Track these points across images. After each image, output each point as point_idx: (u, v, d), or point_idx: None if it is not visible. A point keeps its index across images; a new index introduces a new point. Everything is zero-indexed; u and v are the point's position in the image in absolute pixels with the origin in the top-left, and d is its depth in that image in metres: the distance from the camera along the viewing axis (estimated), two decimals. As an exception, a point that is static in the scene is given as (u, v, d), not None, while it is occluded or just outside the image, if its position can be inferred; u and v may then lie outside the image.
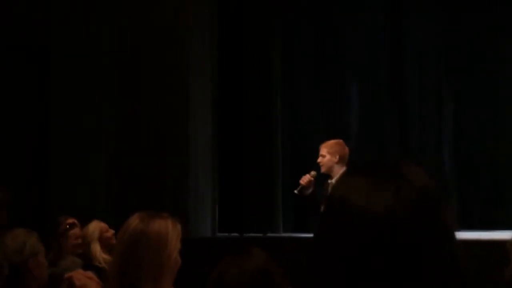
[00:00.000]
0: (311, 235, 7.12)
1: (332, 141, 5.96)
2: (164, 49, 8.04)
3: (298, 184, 5.86)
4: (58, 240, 5.27)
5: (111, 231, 5.00)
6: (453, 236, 1.03)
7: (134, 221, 2.48)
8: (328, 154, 5.84)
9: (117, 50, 8.08)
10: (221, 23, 8.59)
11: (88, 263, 4.92)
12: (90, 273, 3.74)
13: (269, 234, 8.22)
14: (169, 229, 2.45)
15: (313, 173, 5.88)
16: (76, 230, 5.31)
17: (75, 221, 5.44)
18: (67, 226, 5.31)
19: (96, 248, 4.95)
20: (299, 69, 8.62)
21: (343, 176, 1.06)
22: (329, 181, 5.88)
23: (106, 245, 5.00)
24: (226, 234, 8.37)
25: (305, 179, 5.84)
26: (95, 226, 5.06)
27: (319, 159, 5.88)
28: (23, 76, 7.85)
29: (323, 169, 5.86)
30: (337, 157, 5.82)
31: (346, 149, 5.92)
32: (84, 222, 5.48)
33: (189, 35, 8.14)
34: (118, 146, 8.04)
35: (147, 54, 8.07)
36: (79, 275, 3.61)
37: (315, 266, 1.02)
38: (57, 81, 7.91)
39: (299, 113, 8.59)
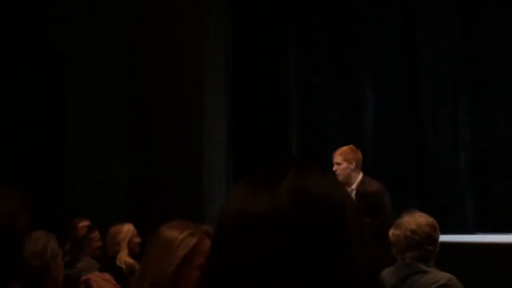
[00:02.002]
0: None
1: (345, 148, 5.91)
2: (178, 50, 8.05)
3: None
4: (76, 242, 5.33)
5: (139, 239, 5.12)
6: (349, 236, 0.97)
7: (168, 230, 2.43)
8: (345, 161, 5.78)
9: (131, 52, 8.11)
10: (235, 24, 8.60)
11: (109, 262, 4.98)
12: (107, 275, 3.76)
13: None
14: (179, 239, 2.40)
15: None
16: (97, 233, 5.40)
17: (90, 223, 5.51)
18: (88, 229, 5.37)
19: (125, 249, 5.04)
20: (314, 73, 8.62)
21: (233, 187, 1.05)
22: (346, 188, 5.82)
23: (131, 250, 5.10)
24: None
25: None
26: (129, 229, 5.16)
27: (335, 167, 5.80)
28: (37, 79, 7.90)
29: (340, 178, 5.77)
30: (354, 163, 5.78)
31: (360, 154, 5.90)
32: (99, 225, 5.53)
33: (203, 35, 8.15)
34: (132, 149, 8.07)
35: (160, 54, 8.09)
36: (97, 278, 3.62)
37: (209, 273, 1.01)
38: (71, 84, 7.94)
39: (314, 117, 8.59)
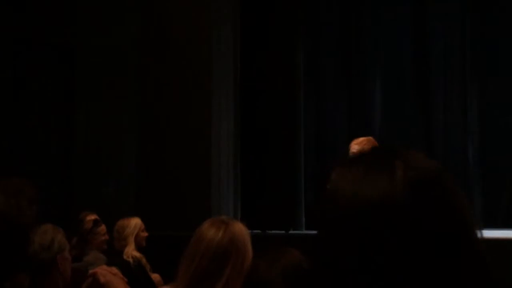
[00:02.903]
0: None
1: (363, 138, 5.85)
2: (187, 44, 8.06)
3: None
4: (83, 236, 5.34)
5: (146, 233, 5.14)
6: (468, 221, 0.95)
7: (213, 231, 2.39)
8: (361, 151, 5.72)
9: (140, 49, 8.12)
10: (245, 18, 8.58)
11: (116, 256, 4.99)
12: (114, 269, 3.76)
13: (292, 231, 8.22)
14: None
15: None
16: (103, 226, 5.41)
17: (97, 217, 5.52)
18: (94, 223, 5.38)
19: (132, 243, 5.06)
20: (323, 67, 8.60)
21: (336, 169, 1.00)
22: None
23: (138, 244, 5.12)
24: (249, 231, 8.35)
25: None
26: (137, 223, 5.18)
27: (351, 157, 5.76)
28: (48, 74, 7.91)
29: None
30: None
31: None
32: (107, 219, 5.54)
33: (211, 32, 8.14)
34: (141, 143, 8.08)
35: (170, 50, 8.09)
36: (104, 271, 3.63)
37: (317, 262, 0.97)
38: (81, 79, 7.96)
39: (322, 110, 8.58)
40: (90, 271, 4.07)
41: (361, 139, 5.85)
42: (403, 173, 0.93)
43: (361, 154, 1.01)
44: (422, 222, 0.91)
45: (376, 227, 0.91)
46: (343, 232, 0.93)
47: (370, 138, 5.91)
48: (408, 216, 0.91)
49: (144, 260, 5.10)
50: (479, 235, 0.96)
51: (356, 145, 5.79)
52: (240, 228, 2.45)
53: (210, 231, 2.40)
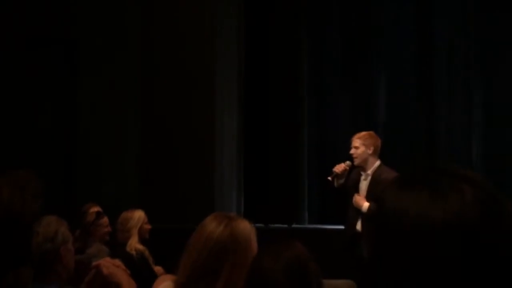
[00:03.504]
0: (336, 226, 7.14)
1: (365, 133, 5.88)
2: (189, 39, 8.06)
3: (331, 172, 5.82)
4: (85, 228, 5.36)
5: (149, 226, 5.17)
6: None
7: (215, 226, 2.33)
8: (363, 145, 5.74)
9: (143, 49, 8.13)
10: (248, 18, 8.57)
11: (120, 248, 5.01)
12: (117, 261, 3.78)
13: (294, 225, 8.23)
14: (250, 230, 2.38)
15: (348, 162, 5.81)
16: (106, 218, 5.42)
17: (100, 209, 5.54)
18: (96, 215, 5.40)
19: (135, 236, 5.08)
20: (326, 66, 8.60)
21: (394, 189, 0.99)
22: (361, 172, 5.81)
23: (141, 236, 5.15)
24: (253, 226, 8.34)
25: (339, 167, 5.77)
26: (141, 215, 5.20)
27: (352, 151, 5.77)
28: (50, 66, 7.92)
29: (357, 161, 5.76)
30: (372, 149, 5.74)
31: (379, 141, 5.86)
32: (110, 211, 5.56)
33: (214, 30, 8.14)
34: (144, 137, 8.09)
35: (172, 49, 8.09)
36: (107, 263, 3.65)
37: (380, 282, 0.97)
38: (83, 77, 7.96)
39: (326, 105, 8.57)
40: (93, 263, 4.09)
41: (362, 133, 5.88)
42: (472, 193, 0.94)
43: (416, 174, 1.00)
44: (494, 239, 0.92)
45: (448, 247, 0.91)
46: (411, 252, 0.93)
47: (372, 132, 5.94)
48: (481, 235, 0.92)
49: (147, 253, 5.12)
50: None
51: (358, 139, 5.81)
52: (244, 226, 2.36)
53: (211, 225, 2.33)
